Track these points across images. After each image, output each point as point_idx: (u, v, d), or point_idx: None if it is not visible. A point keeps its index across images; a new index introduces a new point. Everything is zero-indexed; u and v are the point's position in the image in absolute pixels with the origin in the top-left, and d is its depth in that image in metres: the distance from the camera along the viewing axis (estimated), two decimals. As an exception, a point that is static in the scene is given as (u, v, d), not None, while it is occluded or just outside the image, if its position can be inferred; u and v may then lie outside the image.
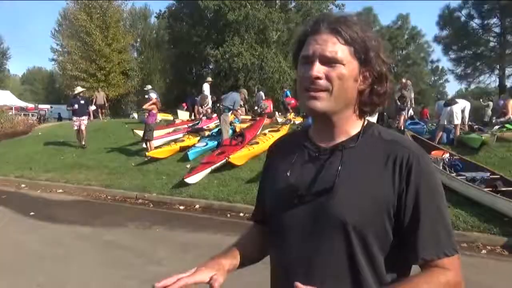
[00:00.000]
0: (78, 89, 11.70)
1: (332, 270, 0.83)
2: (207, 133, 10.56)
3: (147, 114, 9.80)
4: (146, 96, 12.71)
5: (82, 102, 11.30)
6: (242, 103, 16.16)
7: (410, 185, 0.82)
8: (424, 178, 0.83)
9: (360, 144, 0.88)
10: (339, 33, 0.84)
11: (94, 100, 17.10)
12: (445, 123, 8.30)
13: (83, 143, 11.32)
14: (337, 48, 0.83)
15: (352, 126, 0.90)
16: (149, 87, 15.15)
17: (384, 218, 0.82)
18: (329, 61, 0.83)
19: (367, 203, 0.82)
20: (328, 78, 0.83)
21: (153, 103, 9.81)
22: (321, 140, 0.92)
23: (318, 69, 0.83)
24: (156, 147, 9.56)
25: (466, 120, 9.32)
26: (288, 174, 0.90)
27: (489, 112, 13.94)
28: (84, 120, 11.00)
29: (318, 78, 0.83)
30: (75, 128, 11.03)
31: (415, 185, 0.82)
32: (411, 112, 11.67)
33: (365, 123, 0.92)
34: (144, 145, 9.65)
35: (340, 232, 0.82)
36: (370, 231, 0.82)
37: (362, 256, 0.82)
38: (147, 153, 9.08)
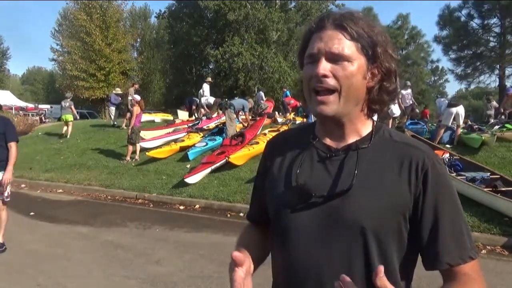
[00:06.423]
0: None
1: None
2: (210, 124, 10.51)
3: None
4: (130, 98, 11.39)
5: None
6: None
7: (428, 188, 0.79)
8: (441, 180, 0.81)
9: (373, 145, 0.85)
10: (344, 29, 0.80)
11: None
12: (450, 124, 8.27)
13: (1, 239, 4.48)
14: (343, 44, 0.79)
15: (361, 125, 0.87)
16: (118, 89, 14.99)
17: (401, 222, 0.80)
18: (336, 58, 0.79)
19: (384, 206, 0.79)
20: (335, 77, 0.79)
21: (137, 103, 9.49)
22: (330, 140, 0.88)
23: (325, 66, 0.79)
24: (156, 147, 9.55)
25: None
26: (297, 174, 0.86)
27: (492, 112, 13.85)
28: (5, 188, 4.51)
29: (325, 76, 0.79)
30: None
31: (432, 188, 0.79)
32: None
33: (374, 123, 0.89)
34: (130, 148, 9.40)
35: (357, 237, 0.78)
36: (388, 235, 0.79)
37: (378, 262, 0.77)
38: (147, 153, 9.06)
